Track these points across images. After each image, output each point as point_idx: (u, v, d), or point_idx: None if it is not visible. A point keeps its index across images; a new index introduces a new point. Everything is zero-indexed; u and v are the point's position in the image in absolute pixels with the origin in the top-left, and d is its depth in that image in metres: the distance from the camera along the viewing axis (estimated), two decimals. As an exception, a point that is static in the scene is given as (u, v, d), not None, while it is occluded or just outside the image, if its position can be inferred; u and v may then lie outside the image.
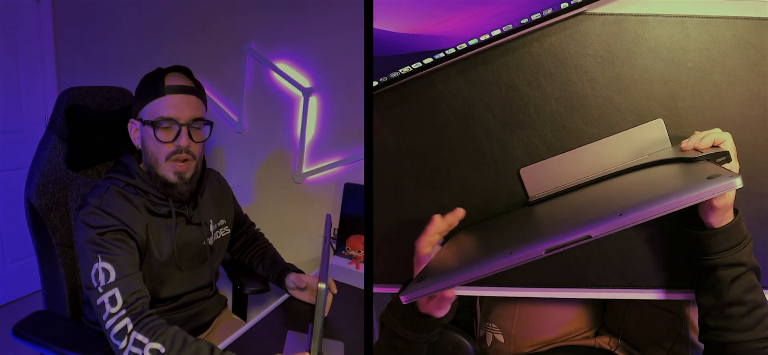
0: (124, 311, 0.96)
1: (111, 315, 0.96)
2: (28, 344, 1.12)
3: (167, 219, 1.14)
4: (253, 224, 1.51)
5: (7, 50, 2.22)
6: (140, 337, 0.94)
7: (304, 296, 1.33)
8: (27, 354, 1.23)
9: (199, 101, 1.13)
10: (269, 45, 1.81)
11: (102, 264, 0.99)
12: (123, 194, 1.09)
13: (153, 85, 1.09)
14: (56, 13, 2.34)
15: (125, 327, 0.95)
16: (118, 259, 1.01)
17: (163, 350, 0.93)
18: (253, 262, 1.44)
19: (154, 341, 0.93)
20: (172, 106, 1.08)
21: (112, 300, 0.97)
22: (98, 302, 0.98)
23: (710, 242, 0.79)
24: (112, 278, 0.98)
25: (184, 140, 1.08)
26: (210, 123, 1.16)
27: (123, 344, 0.94)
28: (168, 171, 1.10)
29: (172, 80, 1.09)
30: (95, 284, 0.99)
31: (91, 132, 1.26)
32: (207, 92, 1.96)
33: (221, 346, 1.06)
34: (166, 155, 1.09)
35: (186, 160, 1.11)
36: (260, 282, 1.45)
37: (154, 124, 1.07)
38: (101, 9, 2.18)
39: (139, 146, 1.14)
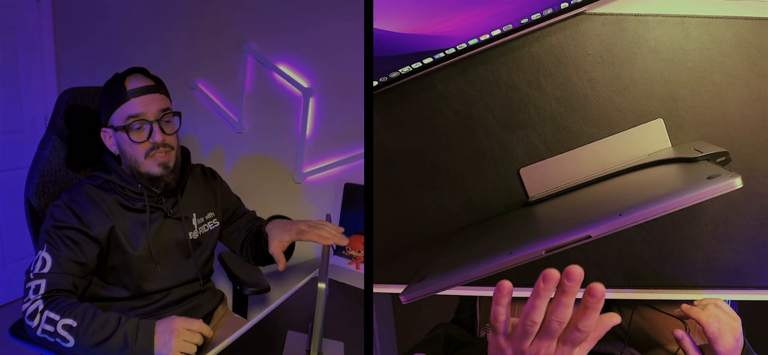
0: (39, 296, 1.00)
1: (29, 300, 1.01)
2: (26, 344, 1.13)
3: (142, 214, 1.16)
4: (255, 219, 1.41)
5: (7, 50, 2.22)
6: (52, 315, 0.98)
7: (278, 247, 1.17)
8: (27, 354, 1.23)
9: (162, 96, 1.15)
10: (269, 45, 1.81)
11: (44, 253, 1.04)
12: (96, 191, 1.13)
13: (115, 92, 1.12)
14: (56, 12, 2.34)
15: (37, 307, 0.99)
16: (59, 255, 1.04)
17: (75, 324, 0.97)
18: (251, 248, 1.34)
19: (66, 317, 0.97)
20: (138, 106, 1.11)
21: (36, 289, 1.01)
22: (26, 286, 1.02)
23: None
24: (46, 269, 1.03)
25: (158, 136, 1.12)
26: (178, 113, 1.18)
27: (35, 323, 0.98)
28: (151, 167, 1.13)
29: (133, 83, 1.12)
30: (31, 269, 1.04)
31: (91, 132, 1.26)
32: (207, 92, 1.97)
33: (222, 345, 1.07)
34: (144, 153, 1.12)
35: (166, 152, 1.14)
36: (260, 282, 1.44)
37: (126, 128, 1.11)
38: (101, 9, 2.18)
39: (117, 152, 1.17)
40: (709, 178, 0.64)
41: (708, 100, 0.88)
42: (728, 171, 0.65)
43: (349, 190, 1.70)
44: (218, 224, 1.32)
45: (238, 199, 1.44)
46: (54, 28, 2.35)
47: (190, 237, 1.24)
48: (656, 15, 0.88)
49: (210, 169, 1.39)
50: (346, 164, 1.74)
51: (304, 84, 1.76)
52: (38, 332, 0.98)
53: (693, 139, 0.88)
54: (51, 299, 1.00)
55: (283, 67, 1.79)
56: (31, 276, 1.03)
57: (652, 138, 0.89)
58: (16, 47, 2.26)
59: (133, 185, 1.15)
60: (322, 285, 0.86)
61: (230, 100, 1.93)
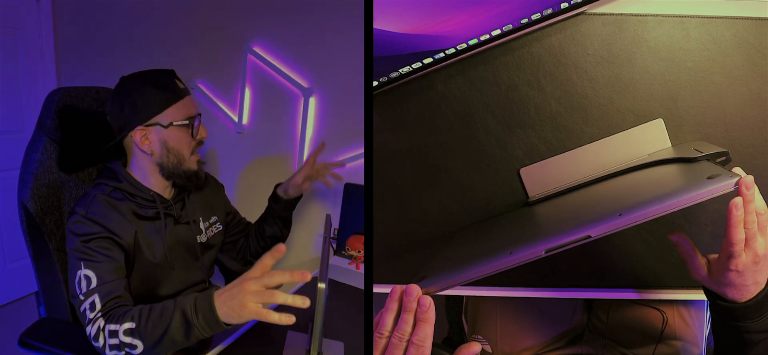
0: (99, 315, 0.97)
1: (90, 320, 0.97)
2: (33, 354, 1.11)
3: (155, 222, 1.16)
4: (249, 224, 1.49)
5: (7, 50, 2.22)
6: (111, 326, 0.95)
7: (299, 188, 1.39)
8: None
9: None
10: (269, 45, 1.82)
11: (84, 271, 1.01)
12: (109, 200, 1.11)
13: (169, 90, 1.13)
14: (56, 13, 2.34)
15: (99, 327, 0.96)
16: (100, 266, 1.02)
17: (134, 326, 0.93)
18: (258, 238, 1.43)
19: (124, 322, 0.94)
20: (191, 105, 1.16)
21: (92, 306, 0.98)
22: (81, 309, 0.99)
23: (737, 314, 0.73)
24: (93, 284, 1.00)
25: (204, 132, 1.18)
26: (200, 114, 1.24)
27: (101, 342, 0.95)
28: (193, 163, 1.18)
29: (181, 84, 1.17)
30: (78, 292, 1.00)
31: (86, 133, 1.25)
32: (207, 92, 1.97)
33: (221, 345, 1.07)
34: (191, 149, 1.16)
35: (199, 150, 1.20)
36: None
37: (190, 124, 1.14)
38: (101, 9, 2.18)
39: (151, 152, 1.14)
40: (709, 178, 0.64)
41: (708, 100, 0.88)
42: (728, 171, 0.65)
43: (349, 190, 1.70)
44: (221, 227, 1.34)
45: (235, 209, 1.47)
46: (54, 29, 2.35)
47: (199, 240, 1.25)
48: (656, 15, 0.88)
49: (212, 177, 1.41)
50: (346, 164, 1.74)
51: (304, 84, 1.76)
52: (107, 351, 0.95)
53: (693, 139, 0.88)
54: (107, 314, 0.97)
55: (283, 67, 1.79)
56: (81, 297, 0.99)
57: (652, 138, 0.89)
58: (16, 47, 2.26)
59: (145, 191, 1.15)
60: (322, 285, 0.87)
61: (230, 100, 1.93)
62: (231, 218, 1.42)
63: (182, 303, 0.92)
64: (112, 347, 0.94)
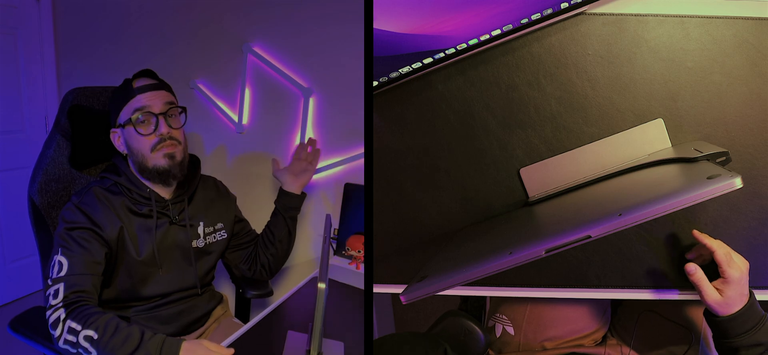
0: (61, 304, 0.99)
1: (50, 306, 1.00)
2: (25, 340, 1.13)
3: (148, 219, 1.16)
4: (257, 235, 1.48)
5: (7, 50, 2.22)
6: (74, 324, 0.97)
7: (298, 178, 1.45)
8: (26, 352, 1.24)
9: (167, 93, 1.18)
10: (269, 45, 1.82)
11: (59, 257, 1.04)
12: (105, 193, 1.13)
13: (123, 92, 1.15)
14: (56, 13, 2.34)
15: (59, 316, 0.98)
16: (74, 256, 1.04)
17: (96, 337, 0.96)
18: (268, 245, 1.42)
19: (88, 328, 0.96)
20: (143, 100, 1.13)
21: (55, 294, 1.01)
22: (46, 293, 1.02)
23: (728, 327, 0.83)
24: (64, 272, 1.02)
25: (164, 128, 1.14)
26: (184, 109, 1.20)
27: (58, 332, 0.97)
28: (158, 159, 1.14)
29: (139, 82, 1.15)
30: (50, 274, 1.03)
31: (95, 132, 1.27)
32: (207, 92, 1.98)
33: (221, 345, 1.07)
34: (151, 146, 1.14)
35: (172, 144, 1.16)
36: (263, 286, 1.44)
37: (133, 121, 1.12)
38: (101, 9, 2.18)
39: (125, 151, 1.18)
40: (709, 178, 0.64)
41: (708, 100, 0.88)
42: (728, 171, 0.65)
43: (349, 190, 1.70)
44: (226, 235, 1.32)
45: (246, 219, 1.46)
46: (54, 28, 2.35)
47: (194, 245, 1.24)
48: (656, 15, 0.88)
49: (225, 186, 1.41)
50: (346, 164, 1.74)
51: (304, 84, 1.76)
52: (60, 342, 0.97)
53: (693, 139, 0.88)
54: (73, 307, 0.99)
55: (283, 67, 1.79)
56: (50, 282, 1.02)
57: (652, 138, 0.89)
58: (16, 47, 2.26)
59: (142, 188, 1.15)
60: (322, 285, 0.86)
61: (230, 100, 1.93)
62: (240, 227, 1.40)
63: (149, 344, 0.96)
64: (67, 342, 0.97)
